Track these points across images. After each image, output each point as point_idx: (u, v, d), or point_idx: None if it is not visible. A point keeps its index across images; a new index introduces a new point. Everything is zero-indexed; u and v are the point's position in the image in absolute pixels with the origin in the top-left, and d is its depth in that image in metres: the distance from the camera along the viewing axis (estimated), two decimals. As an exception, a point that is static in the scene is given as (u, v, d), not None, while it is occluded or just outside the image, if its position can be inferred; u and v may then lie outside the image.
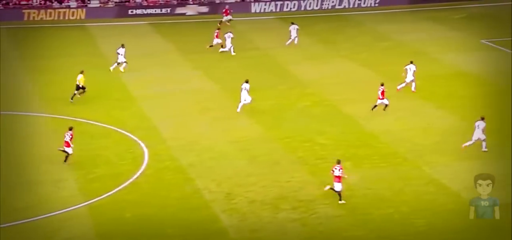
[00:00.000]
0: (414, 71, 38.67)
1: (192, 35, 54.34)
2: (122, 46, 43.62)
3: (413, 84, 38.66)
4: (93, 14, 60.17)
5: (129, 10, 60.91)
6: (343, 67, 45.10)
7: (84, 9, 60.45)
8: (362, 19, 58.72)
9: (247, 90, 36.27)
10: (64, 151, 30.11)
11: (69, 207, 26.77)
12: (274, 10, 62.21)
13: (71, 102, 37.83)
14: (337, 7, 62.80)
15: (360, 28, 55.99)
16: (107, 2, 61.53)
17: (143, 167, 30.10)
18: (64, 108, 37.16)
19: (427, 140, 32.24)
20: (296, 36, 49.02)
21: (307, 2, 62.81)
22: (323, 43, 51.15)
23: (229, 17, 55.92)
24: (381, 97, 35.58)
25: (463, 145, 31.07)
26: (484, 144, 31.09)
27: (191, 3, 61.98)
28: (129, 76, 42.45)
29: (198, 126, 35.05)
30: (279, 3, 62.46)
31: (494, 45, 48.53)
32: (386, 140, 32.51)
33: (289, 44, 48.95)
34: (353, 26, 56.68)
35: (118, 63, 43.10)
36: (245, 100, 36.17)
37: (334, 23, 57.41)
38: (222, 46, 47.47)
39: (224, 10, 57.18)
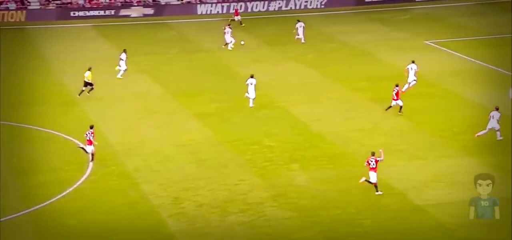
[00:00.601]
0: (415, 70, 39.21)
1: (137, 38, 53.99)
2: (124, 51, 43.24)
3: (407, 85, 38.89)
4: (34, 17, 59.13)
5: (71, 12, 60.09)
6: (291, 68, 45.52)
7: (24, 11, 59.36)
8: (308, 21, 59.28)
9: (253, 85, 36.96)
10: (84, 149, 30.32)
11: (10, 215, 26.28)
12: (220, 12, 62.34)
13: (79, 97, 38.34)
14: (283, 8, 63.37)
15: (307, 29, 56.49)
16: (47, 4, 60.53)
17: (87, 172, 29.78)
18: (5, 112, 36.43)
19: (374, 140, 32.84)
20: (302, 34, 50.30)
21: (253, 3, 63.16)
22: (270, 45, 51.51)
23: (239, 17, 56.27)
24: (395, 98, 35.72)
25: (477, 134, 32.13)
26: (498, 133, 32.12)
27: (136, 5, 61.56)
28: (72, 80, 41.87)
29: (144, 130, 34.86)
30: (225, 4, 62.63)
31: (437, 46, 49.75)
32: (334, 141, 32.98)
33: (297, 39, 50.41)
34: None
35: (124, 70, 42.54)
36: (249, 95, 36.92)
37: (281, 25, 57.88)
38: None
39: (234, 11, 57.37)
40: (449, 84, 40.90)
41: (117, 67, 42.45)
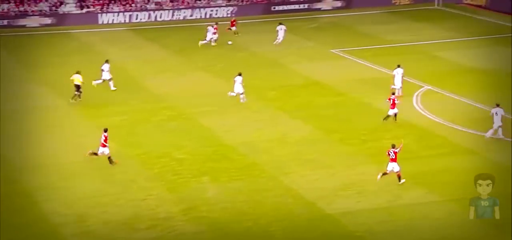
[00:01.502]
0: (402, 74, 40.37)
1: (36, 49, 52.51)
2: (107, 61, 42.22)
3: (398, 89, 40.06)
4: None
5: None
6: (199, 79, 45.52)
7: None
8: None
9: (240, 83, 39.07)
10: (95, 154, 31.09)
11: None
12: (123, 21, 61.58)
13: (72, 102, 39.06)
14: (188, 18, 63.33)
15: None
16: None
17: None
18: None
19: (284, 150, 33.31)
20: (283, 37, 51.20)
21: (157, 13, 62.76)
22: (177, 55, 51.34)
23: (235, 28, 55.38)
24: (392, 107, 36.09)
25: (487, 136, 33.25)
26: (500, 130, 33.22)
27: (32, 14, 59.83)
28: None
29: (46, 146, 33.92)
30: (128, 14, 61.93)
31: (344, 55, 51.09)
32: (244, 152, 33.21)
33: (276, 43, 51.36)
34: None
35: (104, 80, 41.61)
36: (240, 92, 39.09)
37: (187, 34, 57.80)
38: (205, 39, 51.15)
39: (231, 21, 56.28)
40: (356, 92, 42.03)
41: (95, 82, 41.63)
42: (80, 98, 39.53)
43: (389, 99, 36.29)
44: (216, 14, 63.83)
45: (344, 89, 42.63)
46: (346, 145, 33.88)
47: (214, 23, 54.81)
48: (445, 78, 44.07)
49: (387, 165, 29.29)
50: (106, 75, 41.93)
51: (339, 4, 66.80)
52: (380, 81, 43.96)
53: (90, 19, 60.96)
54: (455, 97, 40.35)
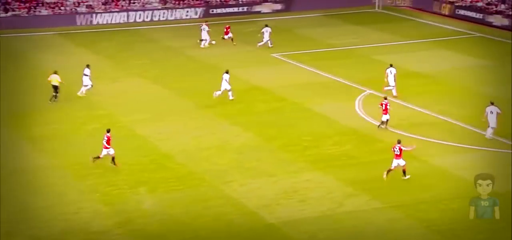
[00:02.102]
0: (394, 74, 40.82)
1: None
2: (88, 66, 41.69)
3: (391, 88, 40.76)
4: None
5: None
6: (134, 85, 44.83)
7: None
8: (152, 35, 58.95)
9: (227, 81, 40.31)
10: (98, 157, 31.34)
11: None
12: (52, 26, 60.30)
13: (50, 103, 39.30)
14: (122, 21, 62.50)
15: (150, 44, 56.15)
16: None
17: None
18: None
19: (224, 158, 33.03)
20: (268, 39, 51.45)
21: (88, 16, 61.69)
22: (110, 60, 50.49)
23: (230, 35, 54.11)
24: (384, 113, 35.86)
25: (487, 136, 33.95)
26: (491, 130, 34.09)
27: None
28: None
29: (-31, 158, 32.75)
30: (56, 18, 60.67)
31: (284, 59, 51.20)
32: (182, 161, 32.78)
33: (261, 46, 51.44)
34: (143, 41, 56.69)
35: (84, 85, 41.04)
36: (227, 88, 40.37)
37: (122, 39, 56.98)
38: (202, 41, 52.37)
39: (225, 28, 54.74)
40: (298, 97, 42.10)
41: (80, 92, 41.19)
42: (56, 99, 39.83)
43: (381, 105, 36.21)
44: (148, 18, 63.04)
45: (285, 94, 42.66)
46: (288, 152, 33.85)
47: (204, 22, 55.31)
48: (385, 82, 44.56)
49: (392, 161, 29.99)
50: (87, 80, 41.60)
51: (279, 7, 67.05)
52: (322, 86, 44.20)
53: (18, 23, 59.49)
54: (397, 101, 40.85)
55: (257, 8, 66.50)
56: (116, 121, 38.02)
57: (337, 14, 66.23)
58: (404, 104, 40.49)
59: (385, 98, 36.70)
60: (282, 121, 38.17)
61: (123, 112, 39.41)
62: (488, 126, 34.49)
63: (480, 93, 41.53)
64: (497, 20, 59.18)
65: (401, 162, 30.07)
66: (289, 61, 50.62)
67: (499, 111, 34.52)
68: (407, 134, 35.49)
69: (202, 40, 53.52)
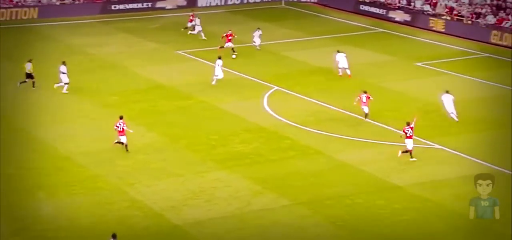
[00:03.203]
0: (345, 57, 44.04)
1: None
2: (64, 63, 41.15)
3: (342, 70, 43.83)
4: None
5: None
6: (27, 84, 43.47)
7: None
8: (49, 32, 57.42)
9: (220, 66, 42.47)
10: (119, 142, 32.60)
11: None
12: None
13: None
14: (21, 18, 60.70)
15: (48, 41, 54.68)
16: None
17: None
18: None
19: (127, 159, 32.59)
20: (260, 43, 50.72)
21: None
22: (6, 60, 48.83)
23: (231, 44, 50.07)
24: (364, 105, 36.43)
25: (451, 115, 36.18)
26: (454, 115, 36.46)
27: None
28: None
29: None
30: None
31: (189, 56, 51.03)
32: (84, 163, 32.13)
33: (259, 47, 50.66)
34: (41, 39, 55.13)
35: (65, 83, 40.57)
36: (217, 75, 42.45)
37: (18, 36, 55.23)
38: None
39: (226, 35, 50.79)
40: (203, 95, 42.02)
41: (56, 85, 40.85)
42: (33, 86, 41.42)
43: (359, 98, 36.87)
44: (41, 15, 61.22)
45: (190, 92, 42.50)
46: (194, 152, 33.76)
47: (191, 13, 56.54)
48: (293, 79, 45.20)
49: (406, 142, 31.84)
50: (65, 78, 41.29)
51: (183, 3, 66.72)
52: (228, 83, 44.30)
53: None
54: (303, 97, 41.49)
55: (160, 4, 65.93)
56: (11, 123, 36.86)
57: (242, 10, 66.55)
58: (310, 99, 41.15)
59: (365, 92, 37.24)
60: (188, 120, 38.03)
61: (18, 113, 38.24)
62: (449, 113, 36.72)
63: (383, 88, 42.74)
64: (398, 15, 61.04)
65: (410, 144, 31.82)
66: (195, 58, 50.48)
67: (454, 98, 36.90)
68: (313, 130, 36.11)
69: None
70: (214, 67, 42.70)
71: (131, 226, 26.81)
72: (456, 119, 36.66)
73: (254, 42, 52.17)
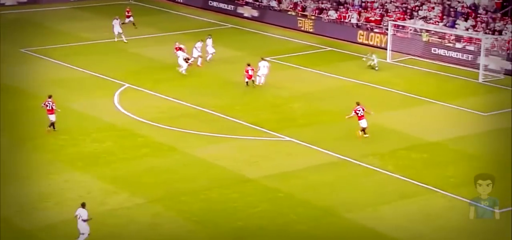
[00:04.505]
0: (200, 47, 46.00)
1: None
2: None
3: (194, 59, 45.43)
4: None
5: None
6: None
7: None
8: None
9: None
10: (52, 125, 33.63)
11: None
12: None
13: None
14: None
15: None
16: None
17: None
18: None
19: None
20: (213, 52, 47.69)
21: None
22: None
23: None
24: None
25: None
26: (263, 78, 41.51)
27: None
28: None
29: None
30: None
31: (35, 54, 49.36)
32: None
33: (209, 59, 47.20)
34: None
35: None
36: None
37: None
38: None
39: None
40: (52, 94, 40.70)
41: None
42: None
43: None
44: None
45: (37, 91, 41.09)
46: (43, 153, 32.77)
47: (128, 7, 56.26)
48: (143, 76, 44.94)
49: (360, 122, 33.40)
50: None
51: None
52: (77, 81, 43.40)
53: None
54: (155, 94, 41.37)
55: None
56: None
57: (88, 6, 65.17)
58: (162, 96, 41.10)
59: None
60: (36, 121, 36.73)
61: None
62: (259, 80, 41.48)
63: (233, 83, 43.50)
64: (246, 11, 62.18)
65: (364, 123, 33.27)
66: (41, 56, 48.90)
67: (268, 65, 41.67)
68: (166, 127, 36.12)
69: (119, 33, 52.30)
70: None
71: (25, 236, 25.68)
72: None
73: (207, 51, 48.49)
